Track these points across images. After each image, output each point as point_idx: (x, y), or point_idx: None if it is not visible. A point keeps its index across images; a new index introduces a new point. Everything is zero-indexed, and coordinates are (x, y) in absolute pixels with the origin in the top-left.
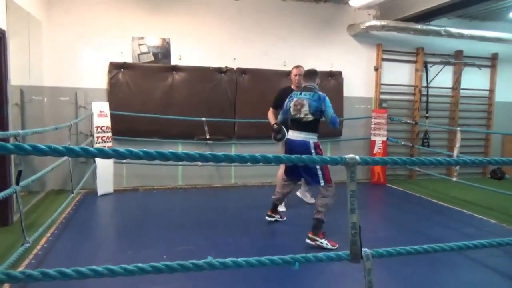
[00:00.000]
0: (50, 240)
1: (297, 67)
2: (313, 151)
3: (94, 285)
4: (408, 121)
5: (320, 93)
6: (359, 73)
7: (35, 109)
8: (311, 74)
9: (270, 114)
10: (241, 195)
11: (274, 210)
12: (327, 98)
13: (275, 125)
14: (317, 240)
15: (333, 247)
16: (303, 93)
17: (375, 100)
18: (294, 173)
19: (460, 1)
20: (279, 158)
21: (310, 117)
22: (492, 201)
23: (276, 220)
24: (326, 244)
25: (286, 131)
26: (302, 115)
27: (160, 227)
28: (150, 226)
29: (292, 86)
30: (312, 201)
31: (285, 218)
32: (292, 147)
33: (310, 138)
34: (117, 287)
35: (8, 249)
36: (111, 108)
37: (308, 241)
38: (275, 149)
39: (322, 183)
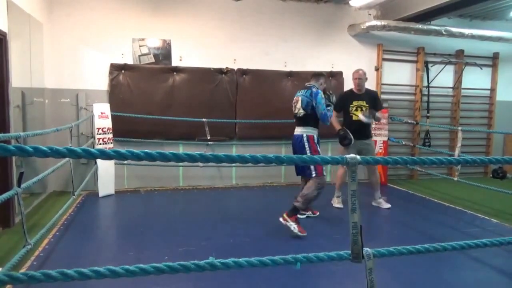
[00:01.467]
0: (52, 241)
1: (357, 71)
2: (306, 143)
3: (96, 286)
4: (409, 121)
5: (314, 89)
6: None
7: (37, 111)
8: (314, 75)
9: (333, 118)
10: (242, 196)
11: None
12: (319, 94)
13: (340, 131)
14: (288, 221)
15: (300, 234)
16: (301, 91)
17: None
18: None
19: (461, 1)
20: (280, 159)
21: (302, 112)
22: (493, 201)
23: (307, 216)
24: (294, 228)
25: (351, 136)
26: (297, 111)
27: (162, 228)
28: (151, 227)
29: (354, 89)
30: (387, 205)
31: (318, 214)
32: (292, 141)
33: (305, 131)
34: None
35: (10, 250)
36: (112, 110)
37: (280, 219)
38: (276, 150)
39: (314, 174)
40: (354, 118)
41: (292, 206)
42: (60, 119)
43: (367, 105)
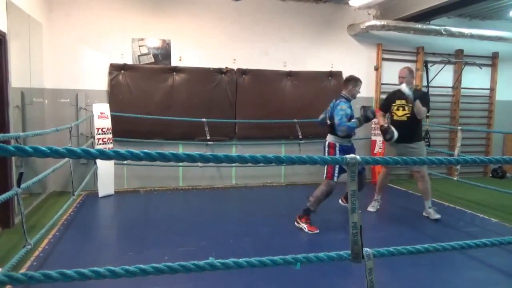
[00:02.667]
0: (52, 242)
1: (402, 69)
2: (326, 149)
3: (95, 286)
4: None
5: (339, 100)
6: (360, 73)
7: (36, 111)
8: (344, 81)
9: (378, 115)
10: (242, 196)
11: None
12: (340, 105)
13: (382, 126)
14: (299, 223)
15: (311, 232)
16: (334, 100)
17: (375, 100)
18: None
19: (460, 0)
20: (280, 159)
21: (328, 121)
22: (493, 200)
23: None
24: (304, 228)
25: (394, 131)
26: (327, 119)
27: (161, 228)
28: (151, 227)
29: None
30: (436, 216)
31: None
32: None
33: (330, 139)
34: None
35: (10, 251)
36: (111, 110)
37: (295, 223)
38: (276, 150)
39: (324, 176)
40: (395, 118)
41: (305, 207)
42: (60, 119)
43: (410, 104)
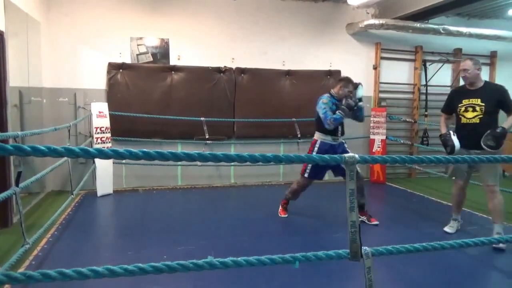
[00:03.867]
0: (50, 241)
1: (464, 60)
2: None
3: (94, 285)
4: (407, 120)
5: (322, 95)
6: (358, 72)
7: (34, 110)
8: (337, 80)
9: (442, 121)
10: (241, 195)
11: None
12: (321, 99)
13: (441, 136)
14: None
15: (280, 215)
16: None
17: (374, 99)
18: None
19: None
20: (278, 158)
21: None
22: None
23: (362, 221)
24: (279, 213)
25: (454, 141)
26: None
27: (160, 227)
28: (150, 226)
29: (465, 84)
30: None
31: (375, 222)
32: None
33: (315, 135)
34: None
35: (8, 250)
36: (110, 109)
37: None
38: (275, 149)
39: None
40: (463, 120)
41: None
42: (58, 118)
43: (482, 103)
